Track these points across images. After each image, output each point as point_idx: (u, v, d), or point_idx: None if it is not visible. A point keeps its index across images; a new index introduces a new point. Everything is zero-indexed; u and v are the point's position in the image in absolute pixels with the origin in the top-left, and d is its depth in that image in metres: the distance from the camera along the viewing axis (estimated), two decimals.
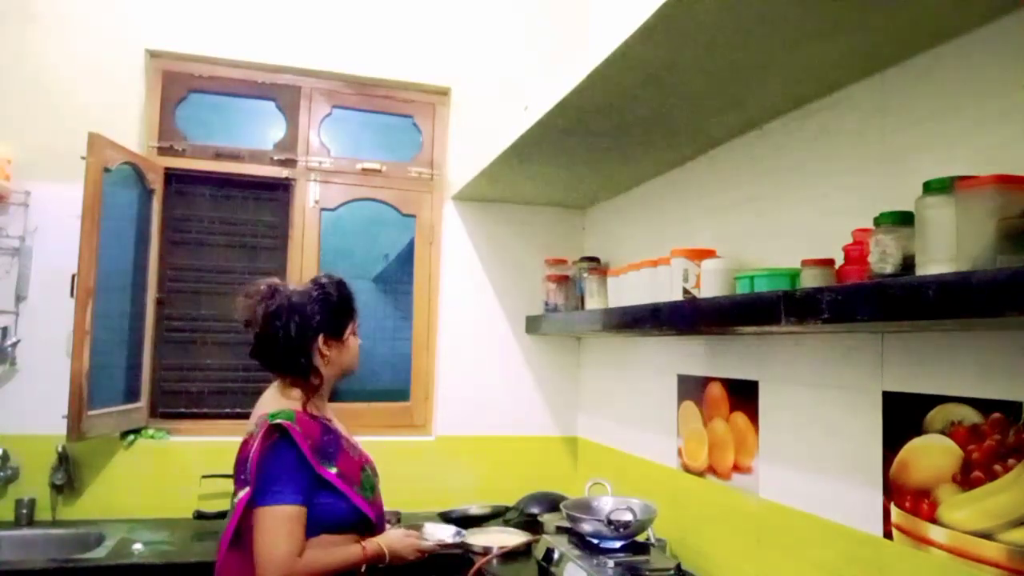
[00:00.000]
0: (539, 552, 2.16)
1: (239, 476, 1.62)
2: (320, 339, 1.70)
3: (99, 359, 2.49)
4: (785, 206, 1.90)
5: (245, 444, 1.65)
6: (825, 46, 1.48)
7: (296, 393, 1.69)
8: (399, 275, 3.26)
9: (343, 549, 1.62)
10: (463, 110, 3.17)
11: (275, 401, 1.69)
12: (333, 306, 1.73)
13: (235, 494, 1.62)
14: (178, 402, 2.92)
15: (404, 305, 3.24)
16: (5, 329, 2.64)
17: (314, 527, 1.58)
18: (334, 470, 1.62)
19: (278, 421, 1.58)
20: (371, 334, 3.18)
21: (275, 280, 1.75)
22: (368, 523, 1.68)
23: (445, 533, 1.94)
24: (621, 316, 2.16)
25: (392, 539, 1.71)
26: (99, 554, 2.28)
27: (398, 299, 3.28)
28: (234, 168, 3.00)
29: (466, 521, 2.65)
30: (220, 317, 2.97)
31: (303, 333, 1.68)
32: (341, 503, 1.62)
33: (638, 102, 1.86)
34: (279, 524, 1.52)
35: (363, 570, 1.64)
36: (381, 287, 3.32)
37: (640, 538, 2.06)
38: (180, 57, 2.95)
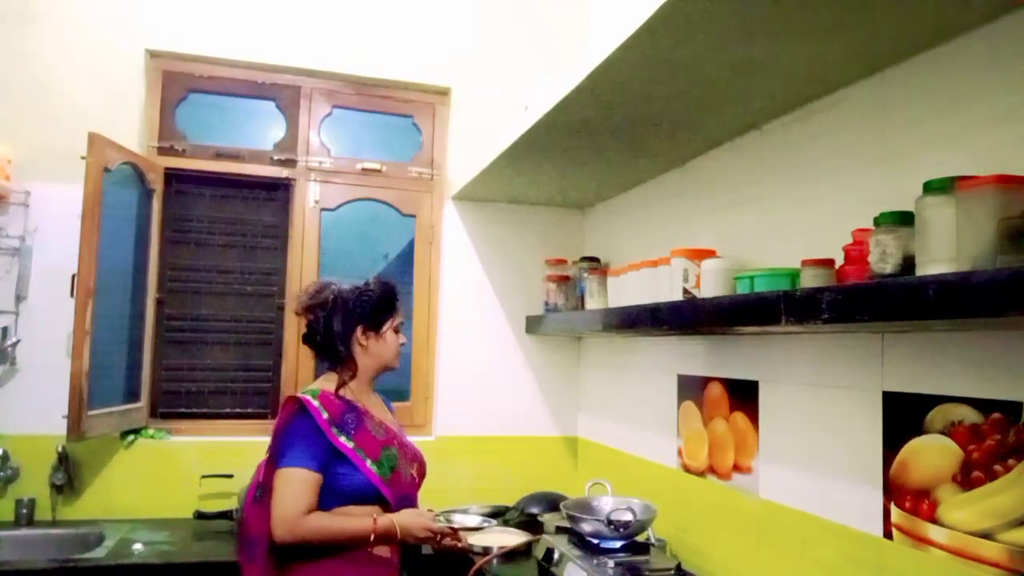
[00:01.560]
0: (539, 552, 2.16)
1: (270, 446, 1.80)
2: (359, 330, 1.87)
3: (99, 359, 2.49)
4: (785, 206, 1.90)
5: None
6: (825, 46, 1.48)
7: (333, 377, 1.87)
8: (399, 275, 3.25)
9: (352, 518, 1.72)
10: (463, 110, 3.17)
11: (314, 383, 1.89)
12: (374, 301, 1.89)
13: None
14: (178, 402, 2.92)
15: (404, 305, 3.22)
16: (5, 329, 2.64)
17: (334, 495, 1.72)
18: (349, 443, 1.75)
19: (298, 395, 1.77)
20: None
21: (331, 278, 1.94)
22: (382, 498, 1.77)
23: (471, 520, 1.97)
24: (621, 316, 2.16)
25: (405, 516, 1.77)
26: (99, 554, 2.28)
27: (402, 299, 3.27)
28: (234, 168, 3.00)
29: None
30: (220, 317, 2.97)
31: (343, 323, 1.86)
32: (357, 474, 1.74)
33: (638, 102, 1.86)
34: (287, 484, 1.68)
35: (372, 540, 1.72)
36: None
37: (640, 538, 2.06)
38: (180, 57, 2.95)
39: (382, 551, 1.77)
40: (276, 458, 1.72)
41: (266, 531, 1.69)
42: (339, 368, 1.88)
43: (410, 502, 1.87)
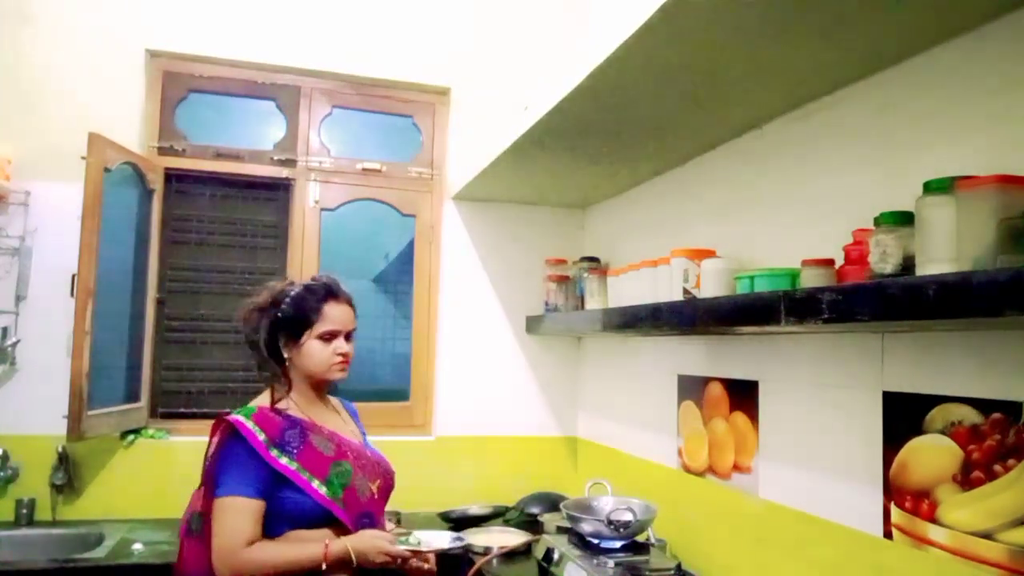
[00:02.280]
0: (539, 552, 2.16)
1: (203, 473, 1.69)
2: (281, 340, 1.75)
3: (99, 359, 2.49)
4: (785, 206, 1.90)
5: None
6: (825, 46, 1.48)
7: (268, 391, 1.76)
8: (399, 275, 3.26)
9: (300, 546, 1.60)
10: (463, 110, 3.17)
11: (254, 400, 1.75)
12: (290, 308, 1.75)
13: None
14: (178, 402, 2.92)
15: (404, 305, 3.24)
16: (5, 329, 2.64)
17: (283, 520, 1.61)
18: (291, 463, 1.62)
19: (228, 417, 1.64)
20: (371, 334, 3.19)
21: (274, 282, 1.83)
22: (336, 520, 1.64)
23: (442, 540, 1.78)
24: (621, 316, 2.16)
25: (360, 540, 1.63)
26: (99, 554, 2.29)
27: (398, 299, 3.28)
28: (234, 168, 3.00)
29: (466, 521, 2.65)
30: (220, 317, 2.97)
31: (268, 332, 1.75)
32: (304, 497, 1.61)
33: (638, 102, 1.86)
34: (224, 514, 1.57)
35: (324, 569, 1.58)
36: (381, 287, 3.32)
37: (640, 538, 2.06)
38: (180, 57, 2.95)
39: None
40: (212, 487, 1.60)
41: (205, 566, 1.58)
42: (274, 380, 1.76)
43: (372, 520, 1.72)
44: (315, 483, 1.63)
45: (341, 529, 1.65)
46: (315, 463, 1.65)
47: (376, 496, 1.75)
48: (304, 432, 1.68)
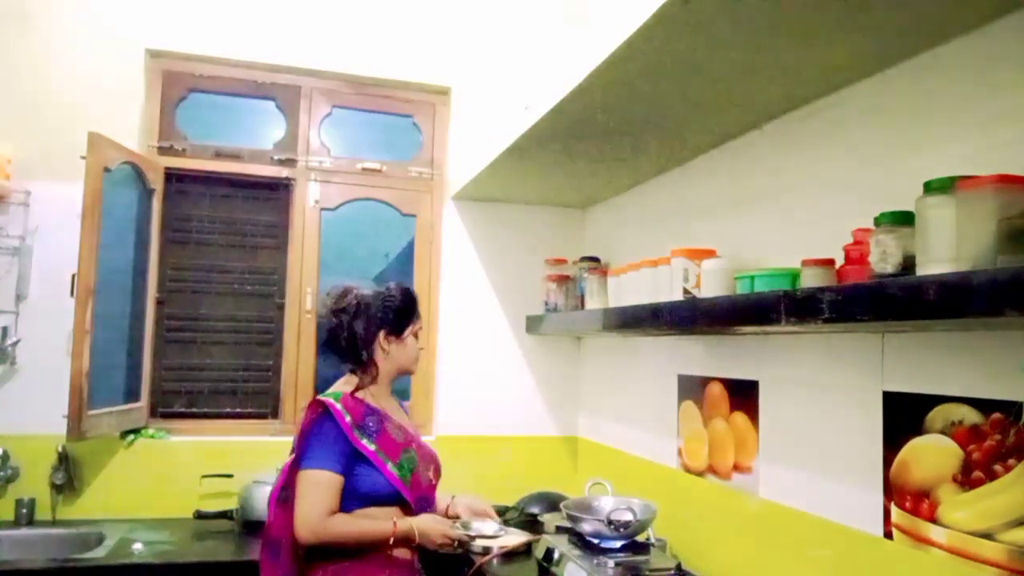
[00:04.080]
0: (539, 552, 2.16)
1: (295, 447, 1.82)
2: (382, 335, 1.90)
3: (99, 359, 2.49)
4: (785, 206, 1.90)
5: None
6: (825, 46, 1.48)
7: (353, 380, 1.90)
8: (399, 275, 3.26)
9: (373, 521, 1.75)
10: (463, 110, 3.17)
11: (335, 386, 1.91)
12: (396, 307, 1.92)
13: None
14: (178, 402, 2.92)
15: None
16: (5, 329, 2.64)
17: (356, 496, 1.76)
18: (371, 445, 1.78)
19: (321, 398, 1.80)
20: None
21: (352, 283, 1.97)
22: (401, 500, 1.80)
23: (489, 528, 1.98)
24: (621, 316, 2.16)
25: (424, 521, 1.80)
26: (99, 554, 2.29)
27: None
28: (234, 168, 3.00)
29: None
30: (220, 317, 2.97)
31: (366, 328, 1.89)
32: (378, 476, 1.77)
33: (638, 102, 1.86)
34: (311, 486, 1.71)
35: (391, 543, 1.74)
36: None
37: (640, 538, 2.06)
38: (180, 57, 2.95)
39: (402, 553, 1.80)
40: (299, 460, 1.75)
41: (289, 532, 1.72)
42: (360, 371, 1.91)
43: (428, 503, 1.90)
44: (389, 465, 1.79)
45: (404, 508, 1.81)
46: (390, 447, 1.81)
47: (432, 482, 1.95)
48: (381, 420, 1.84)
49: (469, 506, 2.07)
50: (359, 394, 1.87)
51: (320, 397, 1.82)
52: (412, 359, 1.97)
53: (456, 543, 1.84)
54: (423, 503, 1.88)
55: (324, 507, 1.70)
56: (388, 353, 1.92)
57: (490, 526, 2.00)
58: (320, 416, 1.78)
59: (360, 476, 1.76)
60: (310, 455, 1.74)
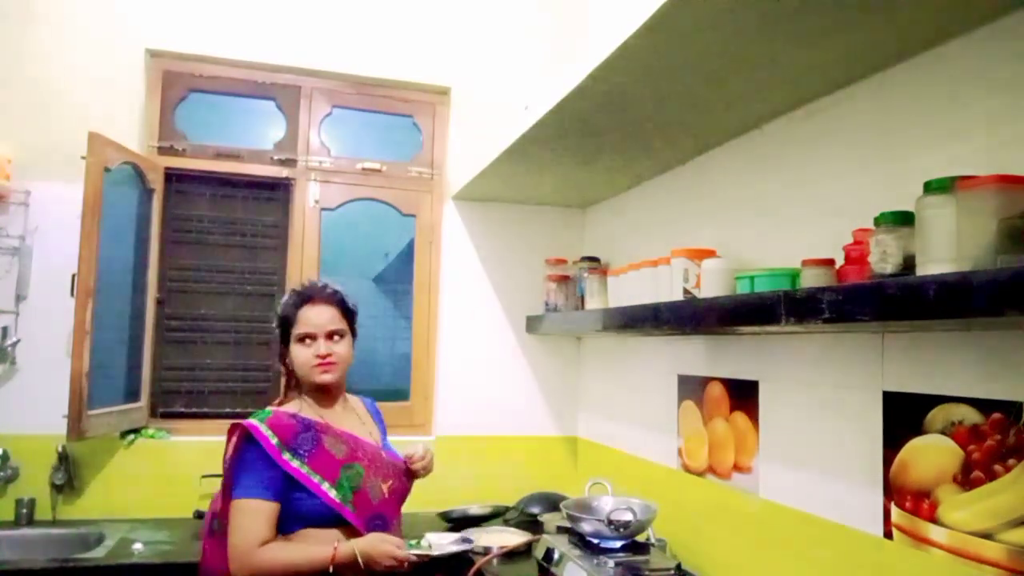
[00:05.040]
0: (539, 552, 2.16)
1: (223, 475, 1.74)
2: (281, 346, 1.84)
3: (99, 359, 2.49)
4: (785, 206, 1.90)
5: None
6: (825, 46, 1.48)
7: (285, 397, 1.85)
8: (399, 275, 3.26)
9: (310, 548, 1.65)
10: (463, 110, 3.17)
11: (270, 405, 1.82)
12: (280, 315, 1.83)
13: None
14: (178, 402, 2.92)
15: (404, 305, 3.24)
16: (5, 329, 2.64)
17: (296, 519, 1.66)
18: (301, 466, 1.66)
19: (244, 421, 1.69)
20: (371, 334, 3.19)
21: (290, 288, 1.93)
22: (343, 521, 1.69)
23: (448, 540, 1.83)
24: (621, 316, 2.16)
25: (368, 543, 1.67)
26: (99, 554, 2.28)
27: (398, 299, 3.28)
28: (234, 168, 3.00)
29: (466, 521, 2.65)
30: (220, 317, 2.97)
31: (278, 336, 1.85)
32: (315, 499, 1.66)
33: (638, 102, 1.86)
34: (240, 516, 1.62)
35: (331, 571, 1.63)
36: (381, 287, 3.32)
37: (640, 538, 2.06)
38: (180, 57, 2.95)
39: None
40: (228, 489, 1.66)
41: (223, 564, 1.63)
42: (286, 383, 1.87)
43: (384, 522, 1.76)
44: (324, 485, 1.67)
45: (353, 530, 1.69)
46: (326, 466, 1.69)
47: (387, 497, 1.79)
48: (317, 435, 1.72)
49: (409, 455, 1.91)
50: (291, 407, 1.77)
51: (243, 420, 1.69)
52: (304, 368, 1.78)
53: (406, 564, 1.69)
54: (377, 522, 1.74)
55: (254, 537, 1.60)
56: (289, 365, 1.83)
57: (446, 538, 1.86)
58: (244, 441, 1.67)
59: (296, 499, 1.66)
60: (237, 483, 1.64)
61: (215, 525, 1.71)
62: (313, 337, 1.78)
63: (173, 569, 2.23)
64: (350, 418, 1.88)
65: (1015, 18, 1.30)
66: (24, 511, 2.54)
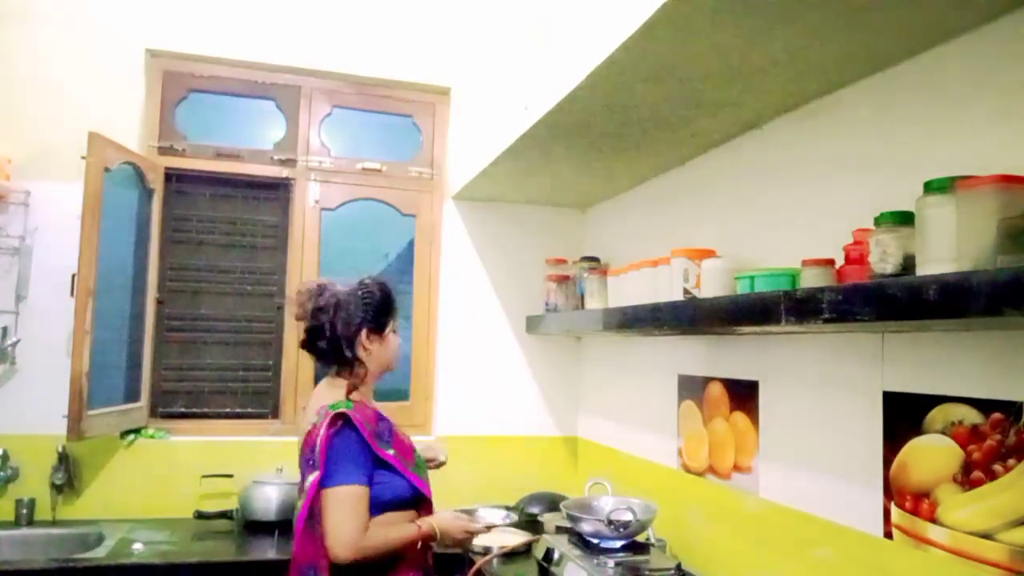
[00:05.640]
0: (539, 552, 2.16)
1: (307, 462, 1.74)
2: (363, 333, 1.83)
3: (99, 359, 2.49)
4: (785, 206, 1.90)
5: (309, 434, 1.75)
6: (825, 46, 1.48)
7: (340, 382, 1.83)
8: (399, 275, 3.25)
9: (401, 527, 1.75)
10: (463, 110, 3.17)
11: (329, 394, 1.81)
12: (376, 304, 1.86)
13: (304, 479, 1.74)
14: (178, 402, 2.92)
15: (404, 305, 3.21)
16: (5, 329, 2.64)
17: (376, 505, 1.72)
18: (392, 451, 1.76)
19: (341, 410, 1.72)
20: None
21: (324, 279, 1.90)
22: (425, 499, 1.82)
23: (496, 516, 2.02)
24: (621, 316, 2.16)
25: (444, 519, 1.81)
26: (99, 554, 2.28)
27: (398, 299, 3.27)
28: (234, 168, 3.00)
29: None
30: (220, 317, 2.97)
31: (347, 326, 1.81)
32: (400, 481, 1.75)
33: (638, 102, 1.86)
34: (346, 503, 1.65)
35: (419, 546, 1.76)
36: None
37: (640, 538, 2.06)
38: (180, 57, 2.95)
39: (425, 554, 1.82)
40: (326, 477, 1.66)
41: (323, 556, 1.64)
42: (347, 373, 1.83)
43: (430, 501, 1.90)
44: (410, 467, 1.79)
45: (423, 510, 1.82)
46: (404, 450, 1.81)
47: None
48: (390, 425, 1.83)
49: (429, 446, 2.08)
50: (356, 398, 1.80)
51: (336, 409, 1.72)
52: (394, 356, 1.91)
53: (474, 536, 1.87)
54: (430, 500, 1.89)
55: (361, 523, 1.65)
56: (370, 352, 1.84)
57: (496, 514, 2.04)
58: (342, 429, 1.70)
59: (382, 484, 1.72)
60: (338, 471, 1.67)
61: (310, 523, 1.69)
62: (398, 328, 1.93)
63: (173, 569, 2.23)
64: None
65: (1015, 18, 1.30)
66: (24, 511, 2.54)
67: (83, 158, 2.43)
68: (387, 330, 1.88)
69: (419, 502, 1.82)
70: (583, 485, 2.46)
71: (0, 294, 2.65)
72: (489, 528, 1.94)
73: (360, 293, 1.84)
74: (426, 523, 1.77)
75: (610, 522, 1.96)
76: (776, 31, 1.42)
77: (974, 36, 1.38)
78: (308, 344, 1.85)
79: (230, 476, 2.73)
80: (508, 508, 2.77)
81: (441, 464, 2.07)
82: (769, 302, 1.44)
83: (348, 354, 1.81)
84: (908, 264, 1.25)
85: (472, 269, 3.18)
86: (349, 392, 1.79)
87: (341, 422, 1.70)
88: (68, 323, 2.45)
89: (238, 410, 2.96)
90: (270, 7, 3.00)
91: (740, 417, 2.05)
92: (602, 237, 3.12)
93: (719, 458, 2.14)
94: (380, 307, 1.86)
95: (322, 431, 1.70)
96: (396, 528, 1.73)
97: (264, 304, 3.03)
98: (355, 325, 1.81)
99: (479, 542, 2.28)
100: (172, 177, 2.94)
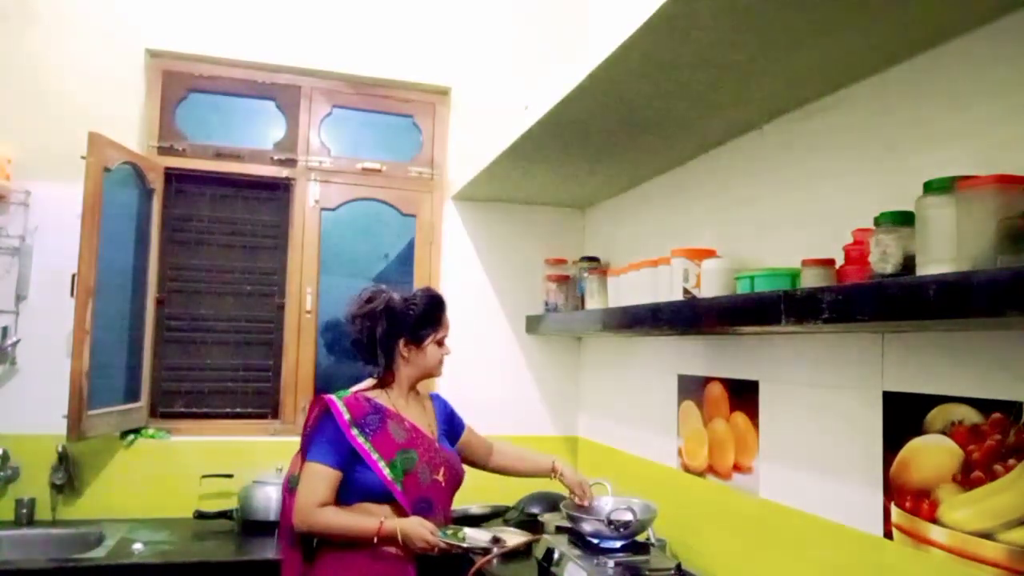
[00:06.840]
0: (539, 552, 2.15)
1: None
2: (401, 342, 1.95)
3: (99, 359, 2.49)
4: (785, 206, 1.90)
5: None
6: (825, 46, 1.48)
7: (371, 383, 1.99)
8: (399, 275, 3.25)
9: (362, 517, 1.80)
10: (463, 110, 3.17)
11: (354, 386, 1.99)
12: (418, 315, 1.96)
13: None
14: (178, 402, 2.92)
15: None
16: (5, 329, 2.64)
17: (353, 492, 1.83)
18: (364, 442, 1.83)
19: (324, 396, 1.88)
20: None
21: (382, 286, 2.00)
22: (392, 499, 1.83)
23: (483, 537, 1.95)
24: (621, 316, 2.16)
25: (408, 524, 1.81)
26: (99, 554, 2.28)
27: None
28: (234, 168, 3.00)
29: (466, 521, 2.64)
30: (220, 317, 2.97)
31: (387, 334, 1.93)
32: (371, 474, 1.82)
33: (638, 102, 1.86)
34: (309, 477, 1.81)
35: (375, 542, 1.78)
36: None
37: (640, 538, 2.06)
38: (180, 57, 2.95)
39: (392, 550, 1.82)
40: (303, 452, 1.86)
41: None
42: (378, 375, 1.98)
43: (430, 506, 1.89)
44: (381, 463, 1.83)
45: (401, 509, 1.84)
46: (385, 446, 1.85)
47: (443, 485, 1.95)
48: (384, 418, 1.89)
49: (570, 477, 2.18)
50: (370, 394, 1.93)
51: (325, 395, 1.89)
52: (433, 366, 2.01)
53: (436, 549, 1.83)
54: (423, 504, 1.88)
55: (316, 497, 1.78)
56: (407, 360, 1.96)
57: (483, 536, 1.97)
58: (321, 413, 1.86)
59: (358, 472, 1.82)
60: (311, 448, 1.83)
61: (292, 484, 1.88)
62: (445, 340, 2.02)
63: (173, 569, 2.23)
64: (418, 411, 2.03)
65: (1015, 18, 1.30)
66: (24, 511, 2.54)
67: (83, 158, 2.43)
68: (426, 342, 1.96)
69: (389, 498, 1.84)
70: None
71: (0, 294, 2.65)
72: (451, 547, 1.85)
73: (406, 304, 1.95)
74: (390, 523, 1.79)
75: (610, 522, 1.96)
76: (776, 31, 1.42)
77: (974, 36, 1.38)
78: (354, 344, 1.98)
79: (230, 476, 2.73)
80: (508, 508, 2.77)
81: (581, 507, 2.14)
82: (769, 302, 1.44)
83: (382, 360, 1.94)
84: (908, 264, 1.25)
85: (472, 269, 3.18)
86: (367, 390, 1.95)
87: (320, 408, 1.86)
88: (68, 323, 2.45)
89: (238, 410, 2.96)
90: (270, 7, 3.00)
91: (740, 417, 2.05)
92: (602, 237, 3.12)
93: (719, 458, 2.14)
94: (420, 319, 1.95)
95: (310, 413, 1.90)
96: (355, 516, 1.80)
97: (264, 304, 3.03)
98: (394, 334, 1.93)
99: (479, 542, 2.28)
100: (172, 177, 2.94)
